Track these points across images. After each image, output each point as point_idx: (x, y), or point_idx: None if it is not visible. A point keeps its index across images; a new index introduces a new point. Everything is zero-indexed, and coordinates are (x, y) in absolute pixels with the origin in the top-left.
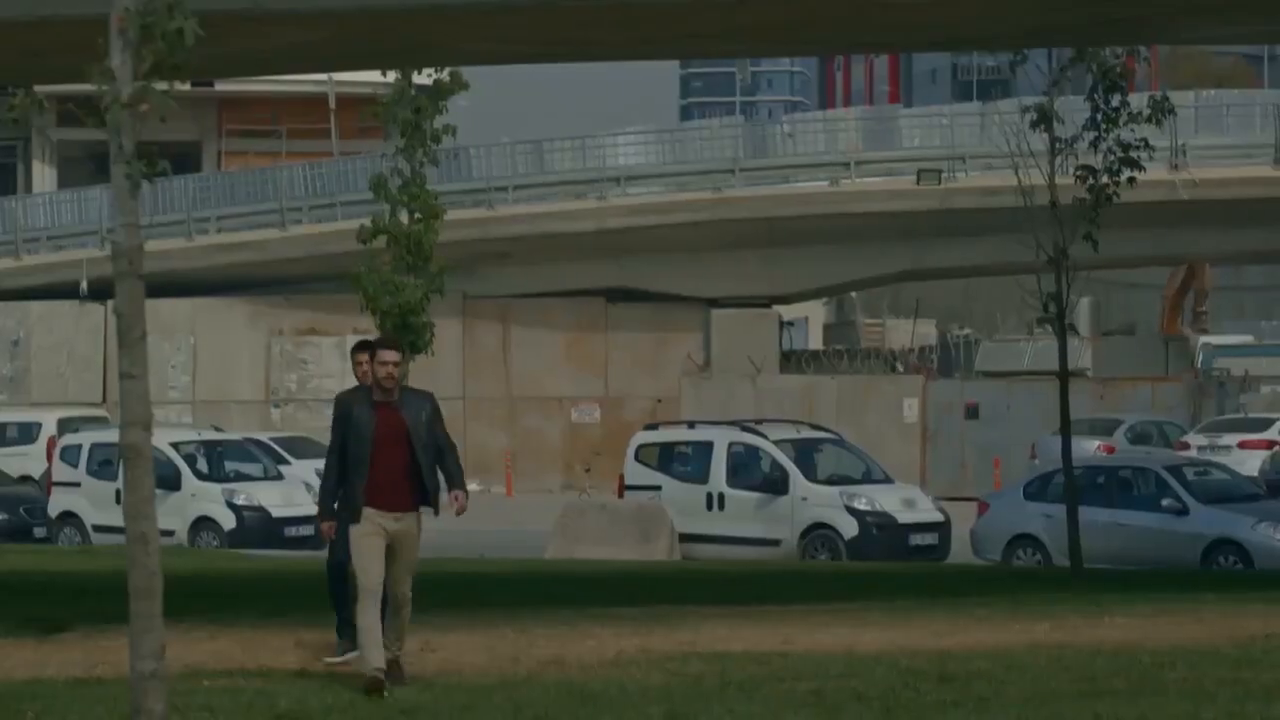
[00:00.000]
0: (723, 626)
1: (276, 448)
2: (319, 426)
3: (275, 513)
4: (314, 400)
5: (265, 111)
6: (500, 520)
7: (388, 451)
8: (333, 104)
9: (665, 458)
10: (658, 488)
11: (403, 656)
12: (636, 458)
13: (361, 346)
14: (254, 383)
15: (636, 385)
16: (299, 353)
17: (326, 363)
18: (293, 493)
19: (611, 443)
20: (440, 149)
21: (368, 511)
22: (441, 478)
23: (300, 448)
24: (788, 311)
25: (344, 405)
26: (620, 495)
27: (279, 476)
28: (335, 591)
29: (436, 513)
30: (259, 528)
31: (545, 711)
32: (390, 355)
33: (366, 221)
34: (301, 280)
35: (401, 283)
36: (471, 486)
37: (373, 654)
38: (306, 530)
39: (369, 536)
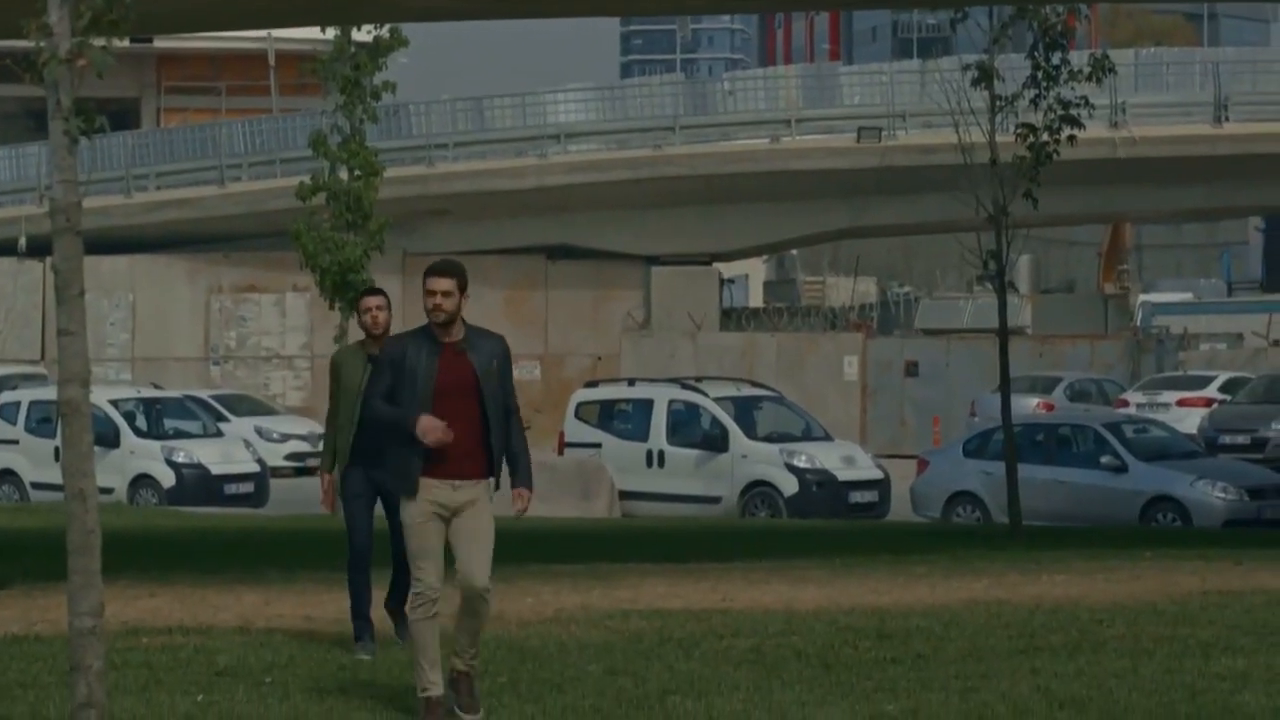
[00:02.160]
0: (662, 584)
1: (216, 405)
2: (257, 383)
3: (214, 470)
4: (253, 358)
5: (204, 68)
6: None
7: (452, 406)
8: (272, 61)
9: (605, 415)
10: (598, 445)
11: (476, 669)
12: (576, 415)
13: (366, 291)
14: (193, 340)
15: (576, 343)
16: (238, 310)
17: (266, 320)
18: (232, 450)
19: (551, 400)
20: (380, 106)
21: (424, 484)
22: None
23: (239, 405)
24: (728, 269)
25: (393, 350)
26: (560, 453)
27: (218, 434)
28: (354, 580)
29: (498, 486)
30: (198, 485)
31: (485, 668)
32: (445, 283)
33: (306, 178)
34: (241, 237)
35: (341, 240)
36: None
37: (429, 674)
38: (246, 488)
39: (426, 522)
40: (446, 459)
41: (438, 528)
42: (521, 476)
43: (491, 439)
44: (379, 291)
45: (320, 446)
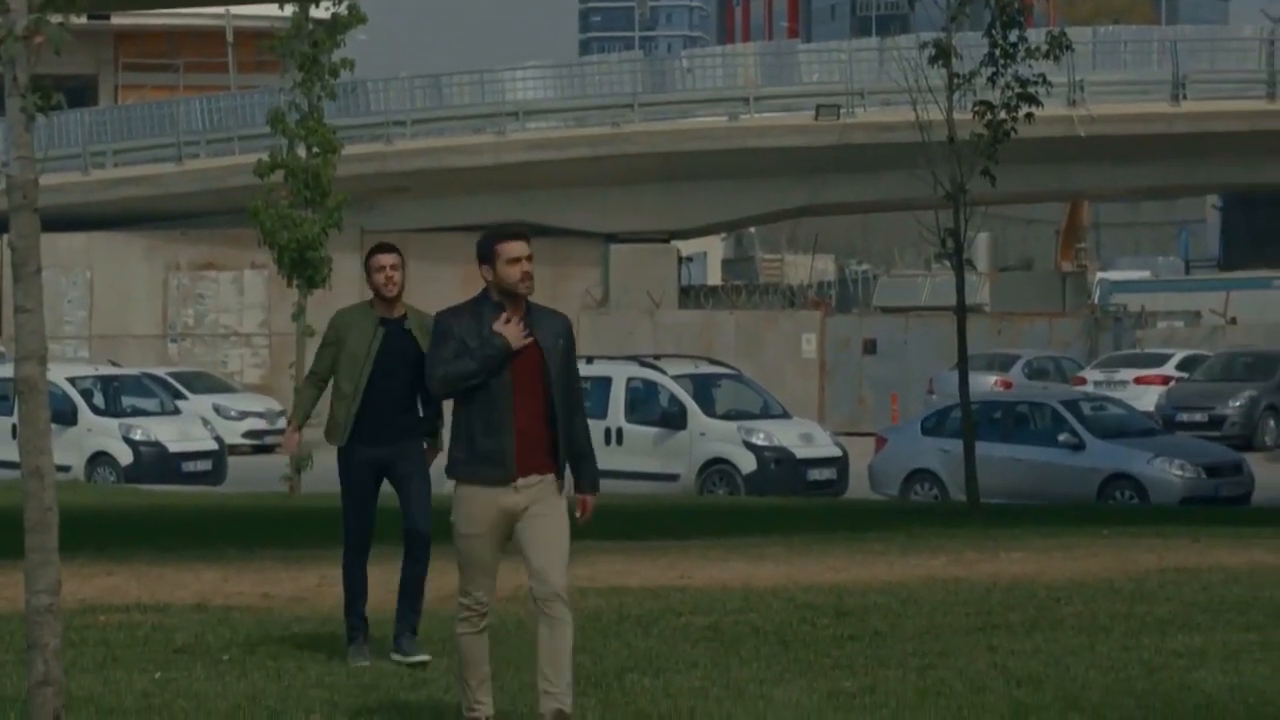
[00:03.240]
0: (620, 561)
1: (173, 382)
2: (215, 361)
3: (172, 448)
4: (211, 335)
5: (162, 45)
6: None
7: (517, 392)
8: (230, 38)
9: None
10: None
11: (570, 708)
12: None
13: (380, 248)
14: (151, 317)
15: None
16: (196, 287)
17: (223, 297)
18: (189, 428)
19: None
20: (338, 83)
21: (475, 492)
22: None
23: (197, 382)
24: (686, 246)
25: (454, 322)
26: None
27: (176, 411)
28: (350, 574)
29: (561, 478)
30: (155, 463)
31: (443, 646)
32: (523, 248)
33: (264, 156)
34: (198, 215)
35: (299, 217)
36: None
37: (475, 694)
38: (203, 465)
39: (481, 535)
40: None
41: (492, 542)
42: (587, 480)
43: (559, 429)
44: (392, 249)
45: (279, 424)
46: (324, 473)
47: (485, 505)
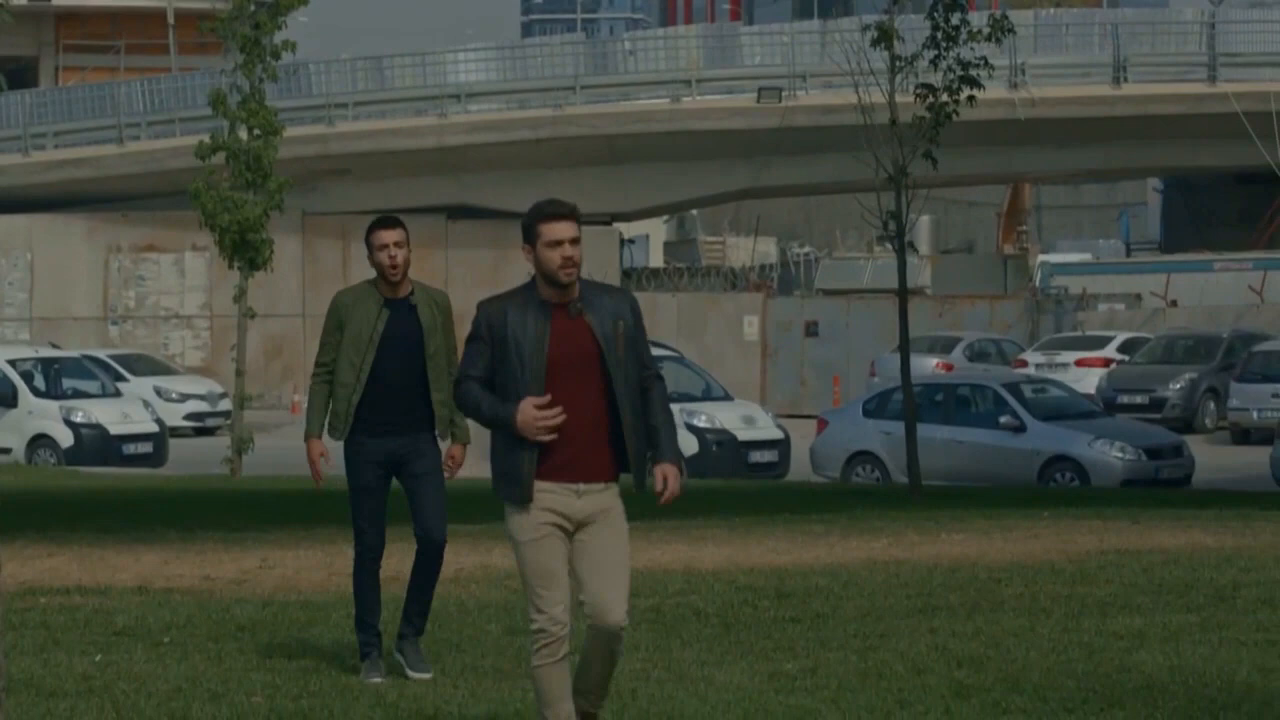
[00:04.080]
0: None
1: (114, 365)
2: (156, 343)
3: (113, 430)
4: (152, 317)
5: (103, 27)
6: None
7: (569, 385)
8: (171, 19)
9: None
10: None
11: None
12: None
13: (382, 223)
14: (92, 299)
15: (477, 302)
16: (137, 269)
17: (165, 279)
18: (130, 410)
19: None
20: (280, 65)
21: (539, 489)
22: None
23: (138, 365)
24: (628, 229)
25: (492, 315)
26: None
27: (117, 394)
28: (362, 583)
29: (640, 487)
30: (96, 445)
31: (385, 629)
32: (568, 229)
33: (205, 138)
34: (140, 196)
35: (240, 199)
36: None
37: (561, 711)
38: (144, 447)
39: (543, 538)
40: (565, 455)
41: (557, 545)
42: (664, 449)
43: (624, 426)
44: (396, 223)
45: (220, 406)
46: (265, 455)
47: (544, 506)
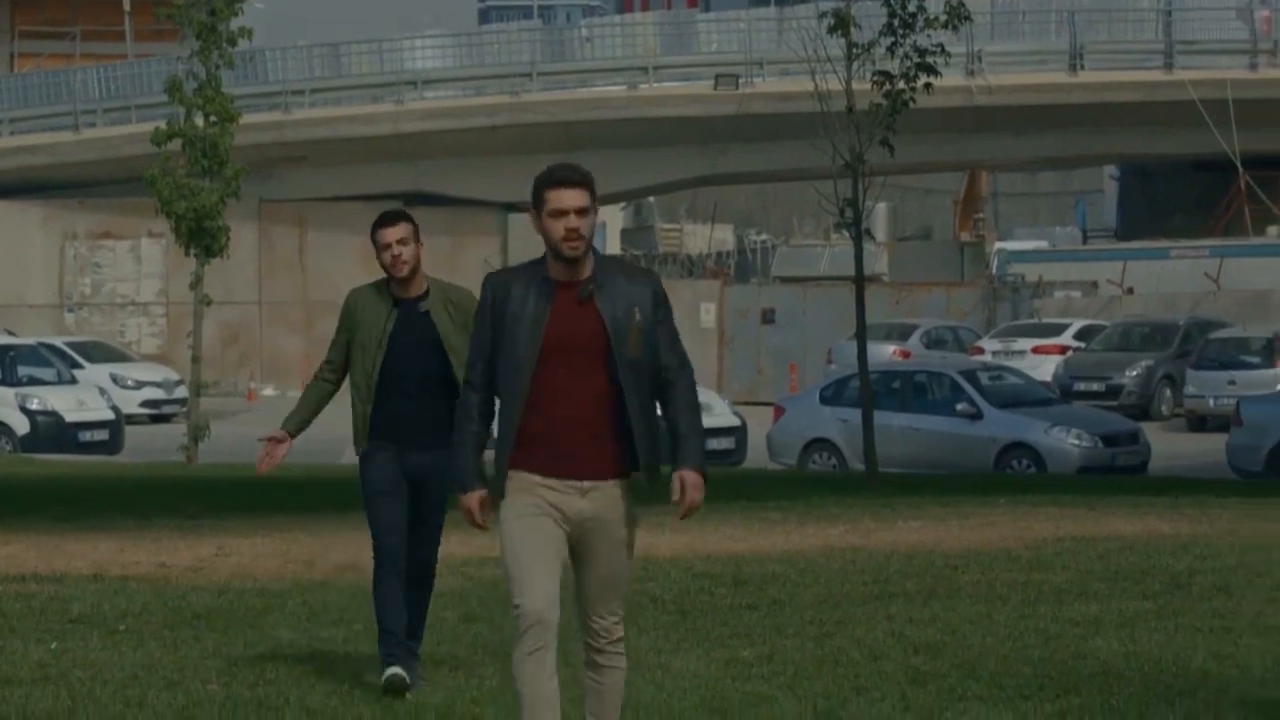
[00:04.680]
0: None
1: (70, 352)
2: (113, 330)
3: (68, 417)
4: (108, 304)
5: (59, 13)
6: None
7: (567, 371)
8: (127, 6)
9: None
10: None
11: None
12: None
13: (383, 219)
14: (47, 286)
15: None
16: (93, 256)
17: (121, 266)
18: (86, 397)
19: None
20: (236, 52)
21: (521, 480)
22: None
23: (94, 352)
24: None
25: (496, 290)
26: None
27: (72, 381)
28: (382, 590)
29: (652, 481)
30: (52, 432)
31: (340, 616)
32: (576, 197)
33: (161, 124)
34: (96, 183)
35: (197, 186)
36: (267, 392)
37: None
38: (100, 435)
39: (533, 517)
40: (565, 448)
41: (549, 528)
42: (685, 453)
43: (633, 417)
44: (400, 217)
45: (176, 394)
46: (221, 443)
47: (538, 495)
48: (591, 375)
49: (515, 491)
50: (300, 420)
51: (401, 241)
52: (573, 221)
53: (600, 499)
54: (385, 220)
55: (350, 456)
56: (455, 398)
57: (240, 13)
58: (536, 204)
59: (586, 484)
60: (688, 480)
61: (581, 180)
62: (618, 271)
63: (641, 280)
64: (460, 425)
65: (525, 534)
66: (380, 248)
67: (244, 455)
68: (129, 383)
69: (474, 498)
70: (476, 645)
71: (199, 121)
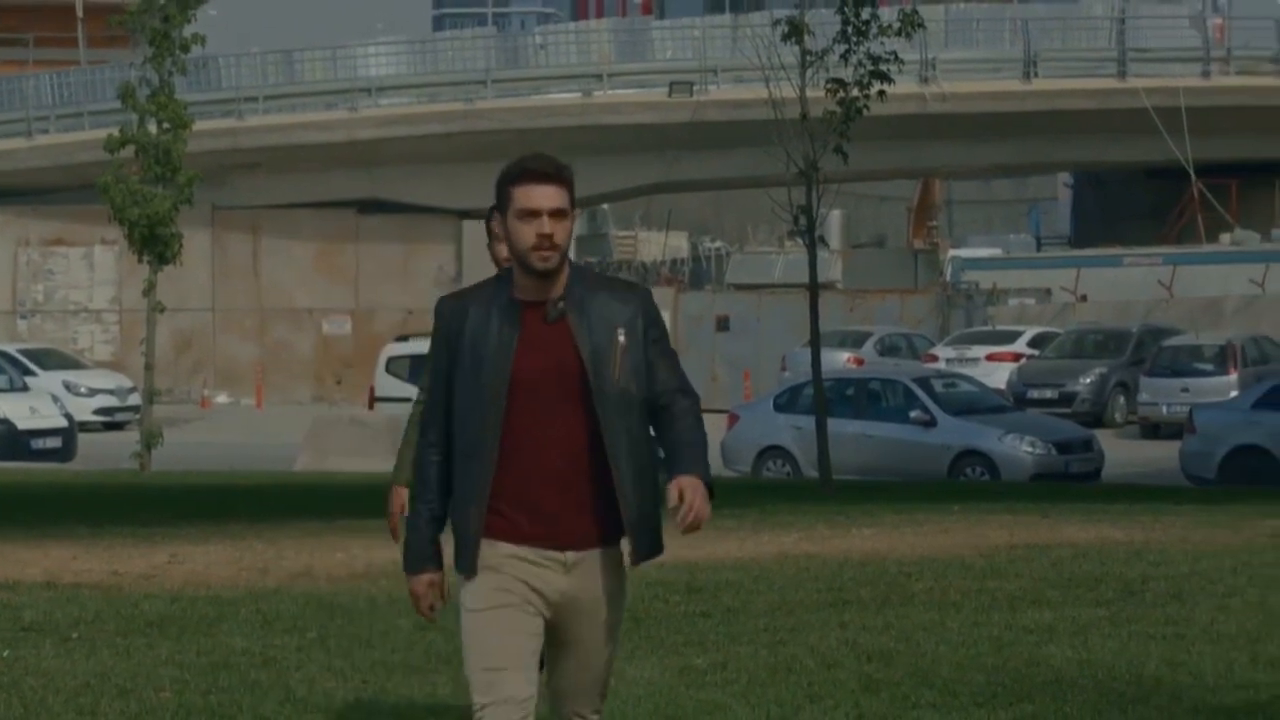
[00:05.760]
0: None
1: (22, 359)
2: (65, 338)
3: (21, 425)
4: (61, 311)
5: (12, 20)
6: (250, 433)
7: (541, 412)
8: (80, 13)
9: (416, 369)
10: (408, 399)
11: None
12: (387, 369)
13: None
14: (0, 293)
15: (387, 297)
16: (46, 263)
17: (74, 273)
18: (39, 405)
19: (362, 355)
20: (189, 58)
21: (493, 552)
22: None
23: (47, 359)
24: None
25: (450, 316)
26: (371, 407)
27: (25, 388)
28: None
29: (638, 559)
30: (4, 440)
31: (294, 624)
32: (551, 196)
33: (114, 131)
34: (48, 190)
35: (150, 193)
36: (221, 399)
37: None
38: (53, 442)
39: (500, 608)
40: (541, 510)
41: (523, 621)
42: (686, 462)
43: (614, 476)
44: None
45: (129, 401)
46: (174, 450)
47: (509, 575)
48: (567, 416)
49: (479, 569)
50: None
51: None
52: (545, 226)
53: (586, 574)
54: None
55: (304, 464)
56: None
57: (193, 19)
58: (501, 204)
59: (570, 555)
60: (686, 486)
61: (557, 174)
62: (596, 286)
63: (626, 295)
64: (417, 494)
65: (493, 629)
66: (503, 234)
67: (197, 463)
68: (82, 390)
69: (423, 581)
70: (430, 654)
71: (152, 128)
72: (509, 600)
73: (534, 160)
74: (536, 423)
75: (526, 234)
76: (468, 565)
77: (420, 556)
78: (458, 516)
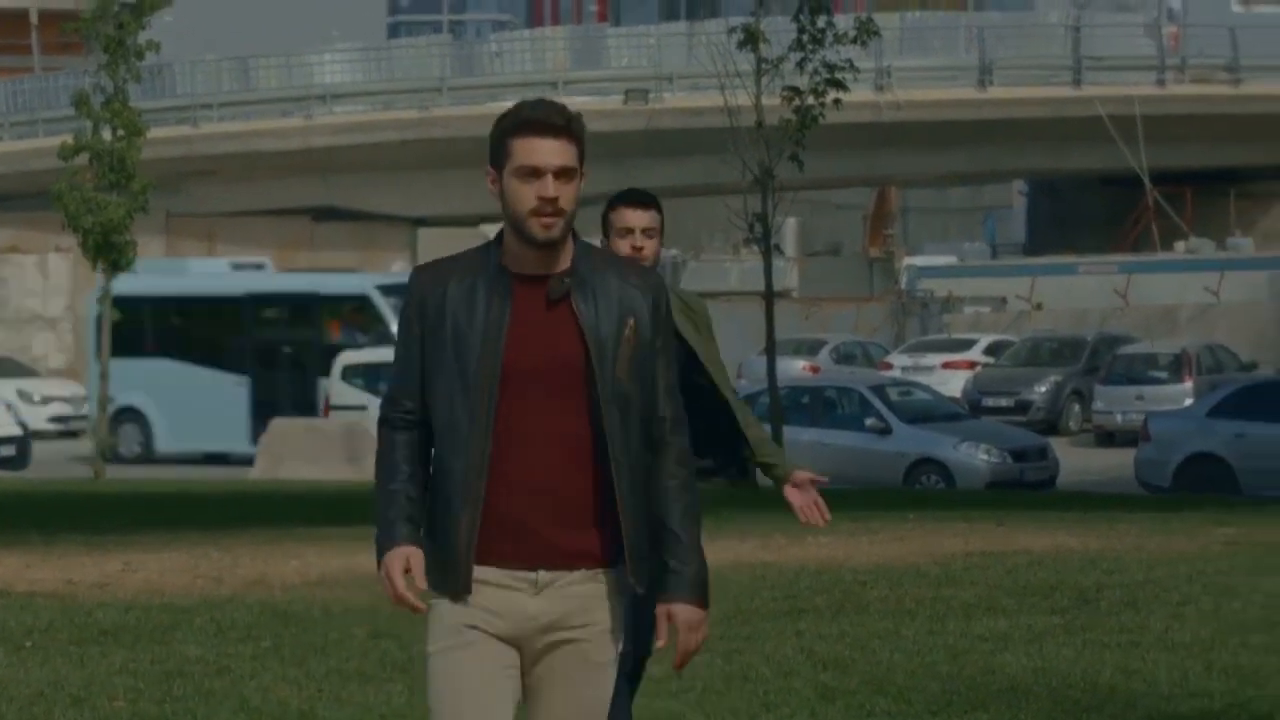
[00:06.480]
0: None
1: None
2: (19, 346)
3: None
4: (14, 319)
5: None
6: None
7: (536, 408)
8: (34, 19)
9: (371, 377)
10: (363, 408)
11: None
12: (342, 377)
13: (636, 197)
14: None
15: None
16: None
17: (27, 281)
18: None
19: None
20: (144, 66)
21: (475, 576)
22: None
23: (1, 367)
24: (494, 230)
25: (425, 288)
26: (326, 415)
27: None
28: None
29: (635, 586)
30: None
31: (249, 632)
32: (558, 151)
33: (68, 138)
34: (2, 198)
35: (104, 200)
36: None
37: None
38: (7, 450)
39: (467, 651)
40: (518, 521)
41: (493, 661)
42: (674, 578)
43: (616, 491)
44: (652, 201)
45: (84, 409)
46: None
47: (478, 604)
48: (560, 414)
49: (436, 610)
50: None
51: (648, 232)
52: (549, 188)
53: (563, 597)
54: (631, 199)
55: (259, 472)
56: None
57: (147, 26)
58: (496, 158)
59: (543, 574)
60: (677, 615)
61: (566, 126)
62: (607, 266)
63: (639, 282)
64: (385, 475)
65: (460, 674)
66: (618, 233)
67: (152, 470)
68: (36, 398)
69: (398, 557)
70: (385, 662)
71: (106, 135)
72: (472, 638)
73: (538, 108)
74: (524, 421)
75: (525, 196)
76: (459, 583)
77: (395, 528)
78: (441, 525)
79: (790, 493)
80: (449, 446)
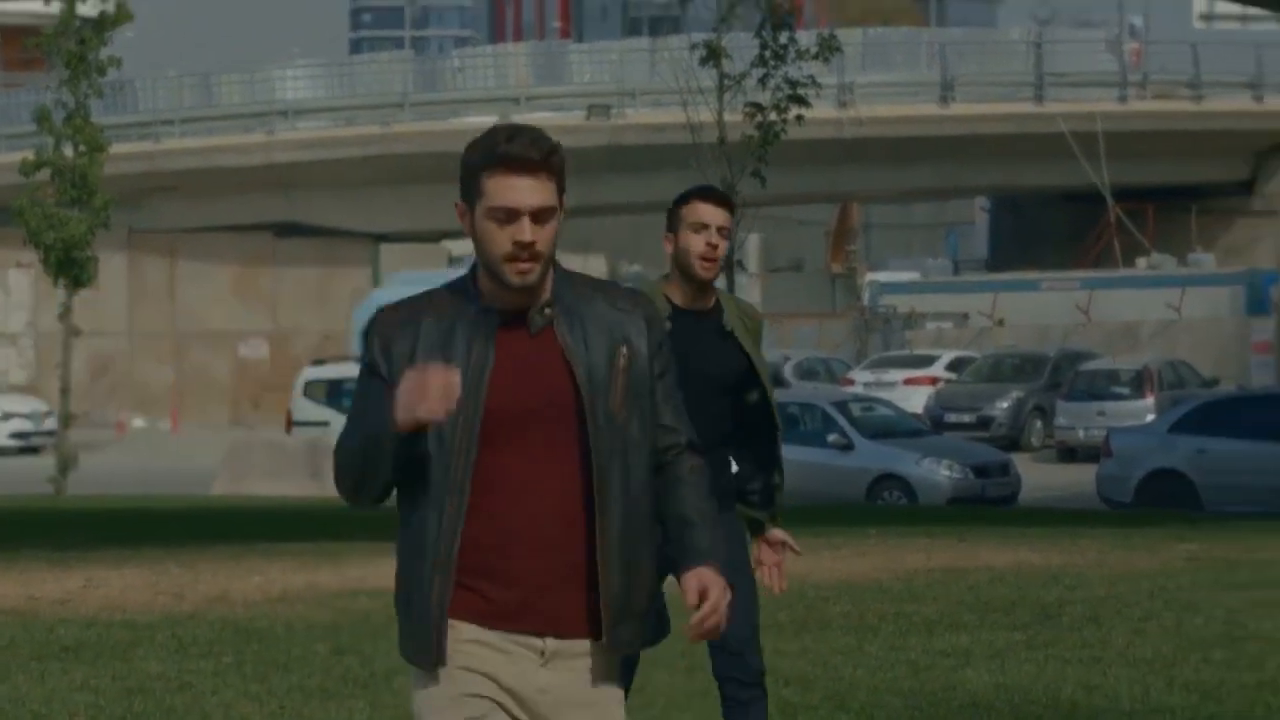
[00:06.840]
0: (389, 563)
1: None
2: None
3: None
4: None
5: None
6: (166, 457)
7: (524, 456)
8: None
9: (333, 393)
10: (326, 423)
11: None
12: (304, 393)
13: (711, 194)
14: None
15: (304, 320)
16: None
17: None
18: None
19: (279, 378)
20: (105, 81)
21: (452, 637)
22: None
23: None
24: (456, 246)
25: (393, 333)
26: (288, 431)
27: None
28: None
29: (616, 648)
30: None
31: (210, 648)
32: (531, 190)
33: (29, 154)
34: None
35: (65, 216)
36: (138, 423)
37: None
38: None
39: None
40: (517, 583)
41: None
42: (700, 548)
43: (598, 539)
44: (727, 199)
45: (45, 425)
46: (90, 474)
47: (472, 667)
48: (553, 458)
49: (430, 674)
50: None
51: (723, 231)
52: (526, 232)
53: (571, 670)
54: (710, 195)
55: (221, 488)
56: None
57: (109, 42)
58: (467, 193)
59: (550, 642)
60: (707, 579)
61: (544, 161)
62: (590, 291)
63: (627, 306)
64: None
65: None
66: (691, 228)
67: (113, 486)
68: None
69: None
70: (347, 678)
71: (68, 151)
72: (477, 710)
73: (514, 141)
74: (513, 466)
75: (500, 240)
76: (432, 654)
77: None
78: (409, 586)
79: (763, 548)
80: (420, 503)
